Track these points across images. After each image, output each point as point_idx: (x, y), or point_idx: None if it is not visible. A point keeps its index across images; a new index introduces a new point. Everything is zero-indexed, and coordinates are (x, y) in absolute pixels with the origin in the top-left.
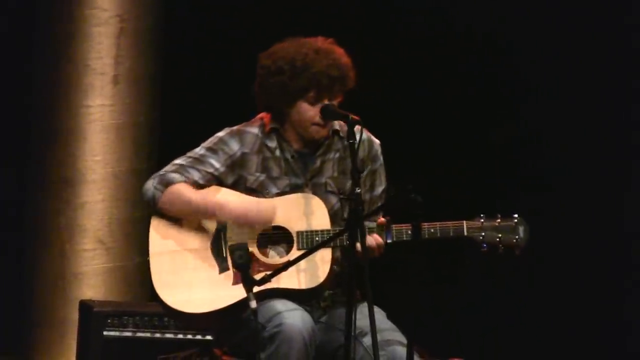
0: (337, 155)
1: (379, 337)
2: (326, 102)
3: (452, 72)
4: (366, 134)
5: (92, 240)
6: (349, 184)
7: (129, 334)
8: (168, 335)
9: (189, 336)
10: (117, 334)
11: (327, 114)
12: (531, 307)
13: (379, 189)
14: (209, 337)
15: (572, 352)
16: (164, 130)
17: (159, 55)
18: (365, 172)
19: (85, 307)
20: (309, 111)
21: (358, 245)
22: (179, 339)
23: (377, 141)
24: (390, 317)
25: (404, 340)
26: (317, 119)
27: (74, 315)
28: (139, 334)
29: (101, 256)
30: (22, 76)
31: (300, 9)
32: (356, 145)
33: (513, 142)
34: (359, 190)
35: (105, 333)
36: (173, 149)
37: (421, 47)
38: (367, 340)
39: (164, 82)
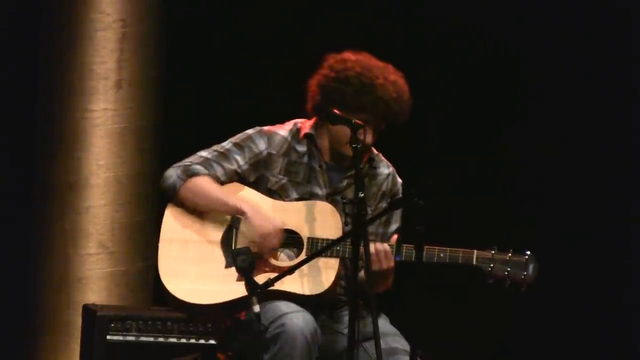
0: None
1: (382, 343)
2: (370, 128)
3: (457, 75)
4: (392, 170)
5: (96, 245)
6: (368, 210)
7: (132, 338)
8: (171, 340)
9: (192, 340)
10: (120, 338)
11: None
12: (535, 313)
13: (394, 226)
14: (212, 342)
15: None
16: (167, 134)
17: (162, 59)
18: (383, 204)
19: (89, 311)
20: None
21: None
22: (183, 343)
23: (400, 180)
24: (393, 322)
25: (407, 346)
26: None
27: (78, 320)
28: (142, 339)
29: (104, 260)
30: (26, 80)
31: (305, 14)
32: (358, 148)
33: (517, 148)
34: (362, 195)
35: (108, 337)
36: (176, 154)
37: (427, 50)
38: (370, 346)
39: (167, 87)
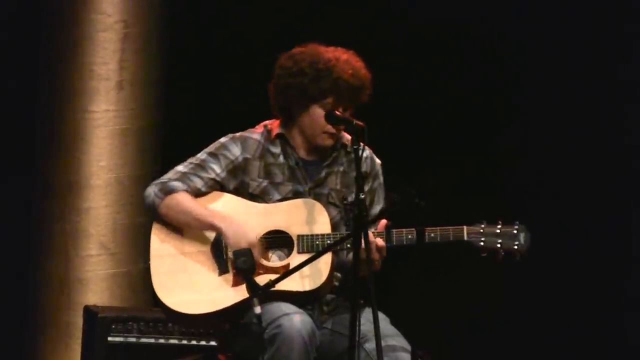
0: (342, 169)
1: (382, 343)
2: (340, 109)
3: (455, 76)
4: (369, 152)
5: (96, 246)
6: (351, 196)
7: (133, 339)
8: (172, 341)
9: (194, 342)
10: (121, 339)
11: (331, 119)
12: (536, 312)
13: (377, 207)
14: (213, 343)
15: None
16: (168, 135)
17: (163, 60)
18: (366, 189)
19: (90, 312)
20: (322, 117)
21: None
22: (183, 344)
23: (378, 161)
24: (393, 322)
25: (407, 346)
26: (328, 127)
27: (79, 321)
28: (143, 340)
29: (105, 262)
30: (27, 81)
31: (307, 13)
32: (360, 152)
33: (516, 148)
34: (363, 196)
35: (109, 339)
36: (177, 155)
37: (426, 50)
38: (370, 346)
39: (169, 88)
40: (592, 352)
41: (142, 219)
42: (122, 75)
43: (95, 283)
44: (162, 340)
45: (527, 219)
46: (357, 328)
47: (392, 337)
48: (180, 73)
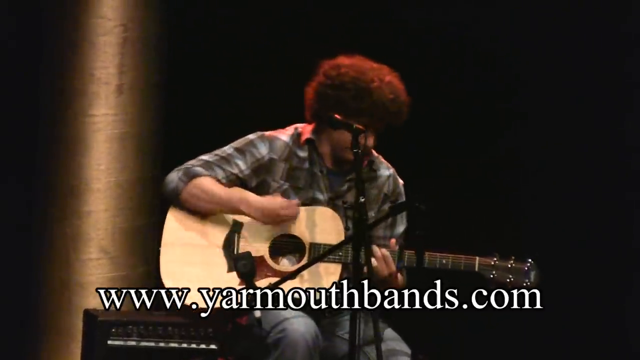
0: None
1: (383, 347)
2: (370, 131)
3: (455, 79)
4: (392, 171)
5: (96, 250)
6: (371, 213)
7: (133, 343)
8: (172, 345)
9: (194, 345)
10: (121, 343)
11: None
12: (536, 313)
13: (400, 227)
14: (213, 347)
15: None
16: (168, 139)
17: (163, 64)
18: (386, 206)
19: (90, 316)
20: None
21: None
22: (184, 348)
23: (401, 181)
24: (395, 327)
25: (408, 350)
26: None
27: (79, 324)
28: (143, 343)
29: (105, 265)
30: (28, 85)
31: (309, 19)
32: (360, 152)
33: (517, 150)
34: (363, 200)
35: (109, 342)
36: (177, 159)
37: (426, 54)
38: (371, 350)
39: (168, 92)
40: (592, 352)
41: (142, 222)
42: (122, 80)
43: (95, 286)
44: (162, 344)
45: (527, 220)
46: (358, 332)
47: (393, 340)
48: (180, 77)
